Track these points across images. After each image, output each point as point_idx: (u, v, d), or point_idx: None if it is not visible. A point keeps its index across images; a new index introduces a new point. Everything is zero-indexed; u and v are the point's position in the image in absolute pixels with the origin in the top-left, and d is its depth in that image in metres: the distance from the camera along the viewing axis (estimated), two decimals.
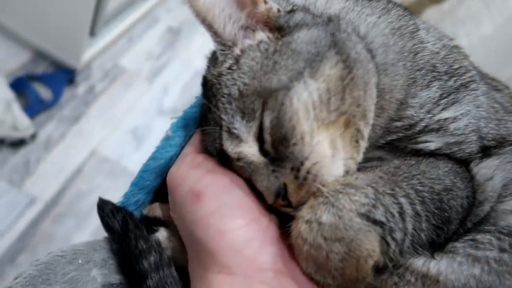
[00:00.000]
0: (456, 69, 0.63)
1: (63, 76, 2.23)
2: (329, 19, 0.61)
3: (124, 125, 2.27)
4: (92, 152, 2.11)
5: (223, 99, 0.57)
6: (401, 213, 0.51)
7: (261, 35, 0.60)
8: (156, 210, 0.67)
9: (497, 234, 0.54)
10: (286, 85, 0.55)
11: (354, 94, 0.56)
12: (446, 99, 0.60)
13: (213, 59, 0.63)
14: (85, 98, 2.27)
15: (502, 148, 0.61)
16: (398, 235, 0.51)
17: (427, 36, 0.65)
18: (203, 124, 0.61)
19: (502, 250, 0.53)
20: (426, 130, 0.60)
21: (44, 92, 2.17)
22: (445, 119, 0.60)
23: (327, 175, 0.55)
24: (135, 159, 2.13)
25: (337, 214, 0.51)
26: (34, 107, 2.08)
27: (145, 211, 0.67)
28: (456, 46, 0.67)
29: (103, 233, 0.67)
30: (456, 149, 0.59)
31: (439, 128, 0.60)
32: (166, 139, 0.66)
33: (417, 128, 0.60)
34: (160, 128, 2.28)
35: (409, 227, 0.51)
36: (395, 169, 0.56)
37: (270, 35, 0.60)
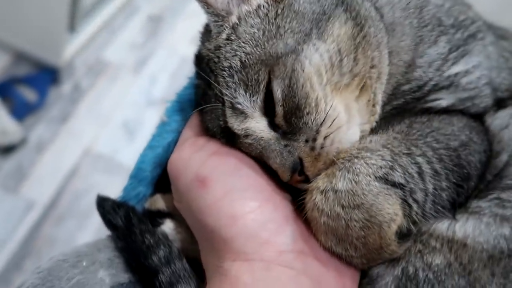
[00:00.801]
0: (462, 20, 0.60)
1: (46, 76, 2.17)
2: None
3: (114, 119, 2.22)
4: (85, 150, 2.07)
5: (223, 72, 0.53)
6: (420, 173, 0.49)
7: None
8: (158, 202, 0.64)
9: None
10: (295, 49, 0.51)
11: (367, 53, 0.53)
12: (455, 53, 0.57)
13: (207, 33, 0.59)
14: (72, 96, 2.21)
15: None
16: (420, 195, 0.49)
17: None
18: (202, 103, 0.57)
19: None
20: (436, 88, 0.57)
21: (29, 94, 2.11)
22: (456, 74, 0.57)
23: (344, 141, 0.52)
24: (130, 153, 2.09)
25: (353, 179, 0.48)
26: (21, 111, 2.03)
27: (146, 205, 0.64)
28: None
29: (106, 231, 0.64)
30: (469, 104, 0.57)
31: (450, 85, 0.57)
32: (162, 125, 0.63)
33: (426, 88, 0.57)
34: (151, 119, 2.24)
35: (430, 186, 0.49)
36: (408, 128, 0.54)
37: None
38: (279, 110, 0.52)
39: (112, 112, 2.24)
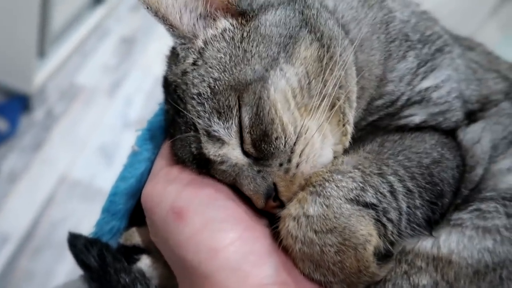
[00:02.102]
0: (428, 35, 0.60)
1: (17, 103, 2.12)
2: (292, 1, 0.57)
3: (90, 144, 2.17)
4: (61, 177, 2.01)
5: (193, 101, 0.52)
6: (392, 192, 0.49)
7: (224, 22, 0.55)
8: (133, 236, 0.61)
9: (501, 201, 0.51)
10: (262, 76, 0.51)
11: (335, 73, 0.52)
12: (424, 68, 0.58)
13: (174, 56, 0.58)
14: (45, 123, 2.16)
15: (486, 111, 0.58)
16: (393, 215, 0.48)
17: (394, 4, 0.62)
18: (172, 131, 0.56)
19: (509, 215, 0.50)
20: (408, 103, 0.57)
21: None
22: (426, 88, 0.57)
23: (319, 159, 0.52)
24: (109, 178, 2.03)
25: (324, 203, 0.48)
26: None
27: (121, 240, 0.61)
28: (424, 12, 0.64)
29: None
30: (441, 119, 0.57)
31: (422, 99, 0.57)
32: (133, 155, 0.61)
33: (399, 103, 0.57)
34: (129, 142, 2.18)
35: (403, 205, 0.49)
36: (379, 147, 0.53)
37: (234, 22, 0.55)
38: (247, 137, 0.51)
39: (88, 136, 2.19)
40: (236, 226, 0.49)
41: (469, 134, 0.56)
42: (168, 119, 0.58)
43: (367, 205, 0.48)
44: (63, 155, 2.08)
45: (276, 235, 0.50)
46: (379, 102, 0.57)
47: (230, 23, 0.55)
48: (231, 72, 0.51)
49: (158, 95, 0.62)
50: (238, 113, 0.51)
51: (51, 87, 2.28)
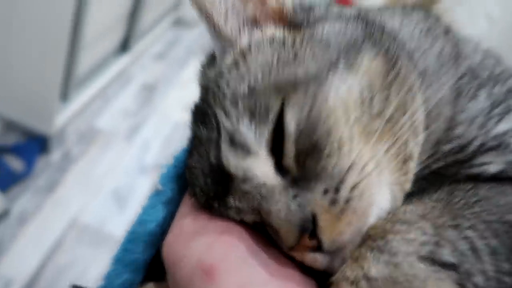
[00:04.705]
0: (498, 74, 0.53)
1: (35, 144, 2.12)
2: (352, 17, 0.52)
3: (104, 188, 2.14)
4: (71, 221, 1.96)
5: (225, 101, 0.44)
6: (474, 250, 0.38)
7: (273, 30, 0.50)
8: None
9: None
10: (318, 77, 0.43)
11: (400, 95, 0.45)
12: (498, 109, 0.50)
13: (209, 61, 0.52)
14: (60, 165, 2.15)
15: None
16: (480, 279, 0.37)
17: (459, 37, 0.55)
18: (191, 150, 0.48)
19: None
20: (482, 150, 0.48)
21: (15, 164, 2.04)
22: (504, 132, 0.49)
23: (373, 203, 0.42)
24: (120, 223, 1.99)
25: (390, 262, 0.38)
26: (5, 181, 1.95)
27: None
28: (488, 49, 0.58)
29: None
30: None
31: (498, 145, 0.48)
32: (156, 194, 0.52)
33: (471, 149, 0.48)
34: (143, 187, 2.16)
35: (489, 268, 0.38)
36: (448, 195, 0.44)
37: (285, 31, 0.49)
38: (290, 148, 0.41)
39: (102, 180, 2.17)
40: None
41: None
42: (192, 145, 0.49)
43: (445, 265, 0.38)
44: (75, 198, 2.04)
45: None
46: (447, 147, 0.49)
47: (281, 31, 0.50)
48: (277, 72, 0.44)
49: (176, 141, 0.56)
50: (275, 118, 0.42)
51: (70, 130, 2.29)
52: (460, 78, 0.51)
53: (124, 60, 2.68)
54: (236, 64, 0.47)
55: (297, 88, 0.42)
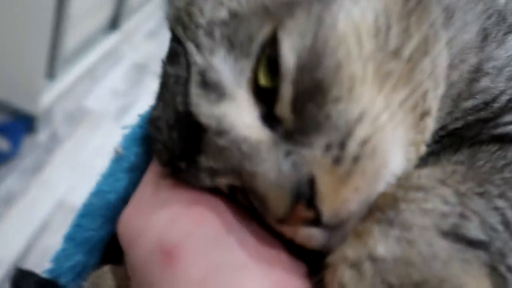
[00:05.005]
0: None
1: (21, 124, 2.07)
2: None
3: (93, 169, 2.09)
4: (59, 202, 1.92)
5: (198, 31, 0.35)
6: (507, 224, 0.30)
7: None
8: (105, 279, 0.42)
9: None
10: None
11: (422, 29, 0.36)
12: None
13: None
14: (48, 145, 2.10)
15: None
16: None
17: None
18: (157, 99, 0.39)
19: None
20: (510, 106, 0.40)
21: (1, 143, 2.00)
22: None
23: (387, 164, 0.33)
24: None
25: (403, 237, 0.29)
26: None
27: (87, 284, 0.42)
28: None
29: None
30: None
31: None
32: (116, 160, 0.44)
33: (497, 105, 0.40)
34: None
35: None
36: (470, 158, 0.36)
37: None
38: (288, 90, 0.32)
39: (91, 162, 2.12)
40: (260, 275, 0.32)
41: None
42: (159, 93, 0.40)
43: (471, 243, 0.29)
44: (63, 180, 2.00)
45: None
46: (469, 104, 0.40)
47: None
48: None
49: None
50: (260, 50, 0.33)
51: (57, 110, 2.24)
52: (488, 18, 0.42)
53: (113, 38, 2.61)
54: None
55: (295, 10, 0.33)
